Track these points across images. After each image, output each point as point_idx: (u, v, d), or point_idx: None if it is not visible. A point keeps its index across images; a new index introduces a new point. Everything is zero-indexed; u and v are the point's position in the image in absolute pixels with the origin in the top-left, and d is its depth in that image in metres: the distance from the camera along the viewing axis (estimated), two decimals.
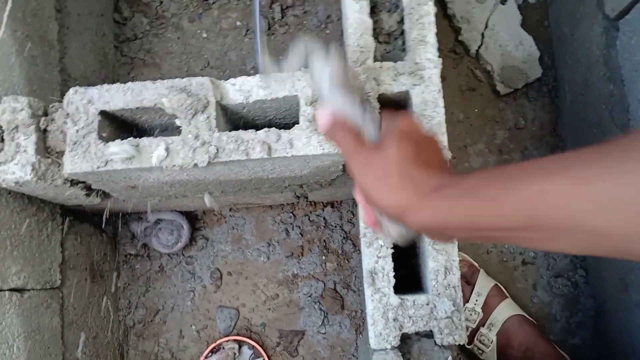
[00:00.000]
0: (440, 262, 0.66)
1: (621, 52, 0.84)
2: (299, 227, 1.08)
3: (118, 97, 0.70)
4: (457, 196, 0.41)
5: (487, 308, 0.98)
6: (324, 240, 1.08)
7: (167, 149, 0.66)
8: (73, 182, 0.75)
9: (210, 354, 1.04)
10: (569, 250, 0.37)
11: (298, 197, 1.03)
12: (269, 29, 1.13)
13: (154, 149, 0.67)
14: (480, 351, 0.98)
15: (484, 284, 1.00)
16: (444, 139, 0.68)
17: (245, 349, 1.04)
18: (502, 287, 1.01)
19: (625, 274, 0.90)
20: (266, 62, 0.60)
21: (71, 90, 0.71)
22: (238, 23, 1.14)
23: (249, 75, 0.70)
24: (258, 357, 1.04)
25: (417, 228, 0.44)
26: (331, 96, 0.51)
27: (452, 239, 0.48)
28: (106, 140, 0.69)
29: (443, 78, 0.70)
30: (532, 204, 0.36)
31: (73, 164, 0.68)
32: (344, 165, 0.75)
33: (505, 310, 0.98)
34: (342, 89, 0.51)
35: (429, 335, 0.66)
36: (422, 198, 0.43)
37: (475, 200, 0.39)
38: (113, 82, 0.71)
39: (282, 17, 1.13)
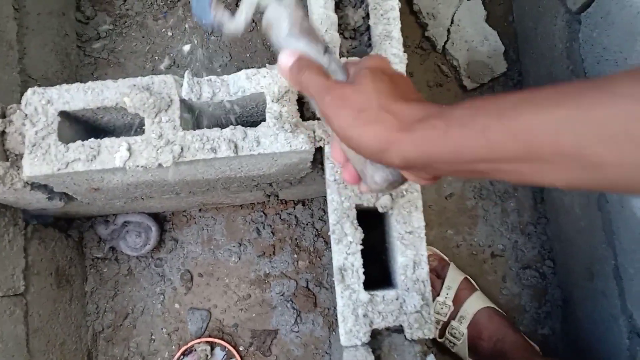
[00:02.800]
0: (409, 256, 0.66)
1: (583, 45, 0.85)
2: (270, 226, 1.08)
3: (78, 97, 0.68)
4: (445, 126, 0.39)
5: (458, 301, 0.99)
6: (296, 239, 1.07)
7: (129, 150, 0.65)
8: (34, 186, 0.73)
9: (182, 356, 1.02)
10: (558, 182, 0.36)
11: (268, 196, 1.02)
12: None
13: (116, 150, 0.65)
14: (452, 344, 0.99)
15: (454, 277, 1.01)
16: None
17: (217, 350, 1.03)
18: (472, 280, 1.02)
19: (591, 263, 0.92)
20: (219, 11, 0.54)
21: (29, 91, 0.69)
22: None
23: (216, 73, 0.70)
24: (231, 358, 1.03)
25: (401, 163, 0.42)
26: (292, 42, 0.49)
27: (436, 176, 0.46)
28: (67, 141, 0.67)
29: (411, 74, 0.71)
30: (526, 134, 0.35)
31: (32, 167, 0.66)
32: (312, 162, 0.75)
33: (476, 302, 0.99)
34: (302, 34, 0.48)
35: (399, 330, 0.66)
36: (406, 130, 0.41)
37: (465, 130, 0.38)
38: (76, 82, 0.69)
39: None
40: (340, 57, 0.70)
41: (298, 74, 0.49)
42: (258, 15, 0.52)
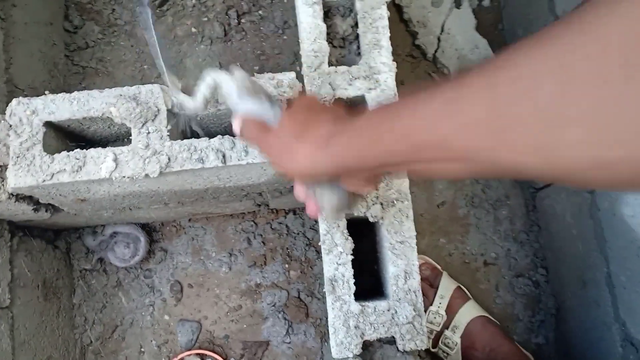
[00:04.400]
0: (400, 266, 0.66)
1: None
2: (261, 235, 1.07)
3: (64, 107, 0.67)
4: (347, 140, 0.45)
5: (451, 310, 0.98)
6: (287, 248, 1.06)
7: (116, 160, 0.64)
8: (19, 197, 0.72)
9: None
10: (454, 175, 0.39)
11: (259, 205, 1.01)
12: (225, 35, 1.11)
13: (102, 160, 0.64)
14: (445, 354, 0.98)
15: (447, 287, 1.00)
16: None
17: None
18: (465, 289, 1.02)
19: (583, 271, 0.91)
20: (180, 96, 0.64)
21: (14, 101, 0.68)
22: (193, 30, 1.12)
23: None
24: None
25: (329, 175, 0.48)
26: (241, 104, 0.57)
27: (367, 181, 0.51)
28: (53, 152, 0.66)
29: (401, 82, 0.70)
30: (408, 136, 0.38)
31: (17, 178, 0.65)
32: None
33: (469, 312, 0.98)
34: (248, 95, 0.57)
35: (391, 341, 0.66)
36: (319, 148, 0.47)
37: (362, 141, 0.43)
38: (63, 92, 0.68)
39: (239, 24, 1.11)
40: (329, 66, 0.70)
41: (243, 134, 0.57)
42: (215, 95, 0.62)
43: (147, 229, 1.05)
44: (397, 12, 1.13)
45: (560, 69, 0.29)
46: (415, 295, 0.65)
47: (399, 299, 0.65)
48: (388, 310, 0.65)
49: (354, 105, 0.71)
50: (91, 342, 1.03)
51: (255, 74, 0.69)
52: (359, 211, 0.67)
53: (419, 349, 0.64)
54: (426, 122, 0.37)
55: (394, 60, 0.70)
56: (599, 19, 0.27)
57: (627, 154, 0.27)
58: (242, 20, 1.12)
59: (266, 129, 0.55)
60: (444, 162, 0.38)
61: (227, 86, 0.58)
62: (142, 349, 1.03)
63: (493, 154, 0.33)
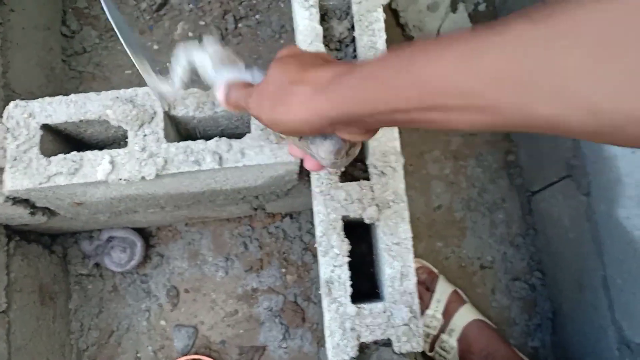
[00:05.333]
0: (396, 268, 0.66)
1: None
2: (258, 239, 1.07)
3: (61, 110, 0.67)
4: (355, 81, 0.41)
5: (447, 314, 0.98)
6: (283, 252, 1.06)
7: (112, 162, 0.64)
8: (15, 200, 0.72)
9: None
10: (463, 125, 0.37)
11: (255, 209, 1.01)
12: (222, 40, 1.11)
13: (99, 163, 0.64)
14: (442, 358, 0.98)
15: (443, 290, 1.00)
16: (396, 145, 0.68)
17: None
18: (461, 293, 1.02)
19: (580, 274, 0.91)
20: (154, 82, 0.61)
21: (11, 104, 0.68)
22: (190, 34, 1.12)
23: (203, 86, 0.69)
24: None
25: (327, 124, 0.44)
26: (218, 75, 0.55)
27: (367, 131, 0.47)
28: (49, 155, 0.66)
29: None
30: (425, 84, 0.36)
31: (14, 181, 0.65)
32: (299, 174, 0.74)
33: (465, 315, 0.98)
34: (224, 64, 0.55)
35: (387, 343, 0.65)
36: (320, 92, 0.43)
37: (374, 82, 0.40)
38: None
39: (236, 28, 1.12)
40: None
41: (229, 100, 0.54)
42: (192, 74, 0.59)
43: (144, 233, 1.05)
44: (393, 17, 1.14)
45: (603, 22, 0.28)
46: (412, 297, 0.65)
47: (395, 300, 0.65)
48: (384, 312, 0.65)
49: None
50: (87, 347, 1.03)
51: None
52: (354, 212, 0.67)
53: (415, 351, 0.64)
54: (450, 68, 0.35)
55: None
56: None
57: None
58: (239, 25, 1.12)
59: (252, 87, 0.52)
60: (465, 112, 0.35)
61: (201, 62, 0.57)
62: (138, 355, 1.03)
63: (527, 107, 0.32)
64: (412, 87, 0.37)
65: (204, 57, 0.56)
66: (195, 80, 0.61)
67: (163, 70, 0.62)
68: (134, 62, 0.60)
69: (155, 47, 1.12)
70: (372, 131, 0.48)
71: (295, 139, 0.54)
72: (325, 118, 0.43)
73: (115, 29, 0.57)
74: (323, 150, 0.51)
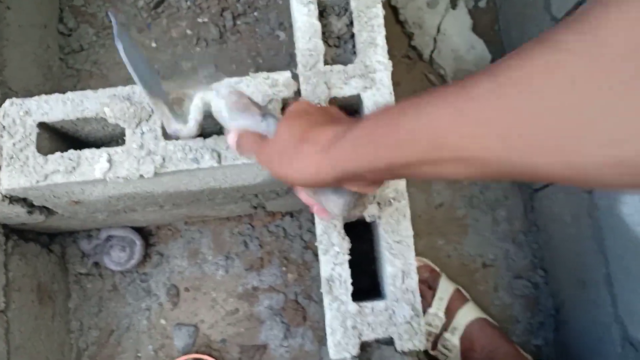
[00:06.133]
0: (397, 266, 0.65)
1: None
2: (258, 238, 1.06)
3: (57, 107, 0.67)
4: (350, 143, 0.43)
5: (450, 312, 0.97)
6: (284, 251, 1.06)
7: (110, 160, 0.63)
8: (13, 199, 0.71)
9: None
10: (464, 177, 0.38)
11: (255, 208, 1.00)
12: (220, 37, 1.11)
13: (97, 161, 0.64)
14: (445, 356, 0.97)
15: (445, 288, 0.99)
16: None
17: None
18: (463, 291, 1.01)
19: (582, 271, 0.91)
20: (172, 123, 0.61)
21: (7, 102, 0.67)
22: (188, 32, 1.11)
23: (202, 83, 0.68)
24: None
25: (332, 181, 0.46)
26: (233, 120, 0.57)
27: (374, 184, 0.50)
28: (46, 153, 0.66)
29: (397, 83, 0.70)
30: (416, 136, 0.38)
31: (10, 180, 0.65)
32: None
33: (468, 314, 0.97)
34: (240, 111, 0.56)
35: (389, 342, 0.65)
36: (324, 152, 0.45)
37: (367, 140, 0.42)
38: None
39: (234, 25, 1.11)
40: (324, 65, 0.69)
41: (241, 148, 0.57)
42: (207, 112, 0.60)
43: (143, 232, 1.05)
44: (393, 14, 1.13)
45: (571, 67, 0.28)
46: (413, 295, 0.65)
47: (397, 299, 0.64)
48: (386, 311, 0.64)
49: (349, 105, 0.70)
50: (87, 346, 1.02)
51: (250, 73, 0.69)
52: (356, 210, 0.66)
53: (418, 349, 0.63)
54: (435, 123, 0.36)
55: (389, 60, 0.69)
56: (598, 21, 0.28)
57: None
58: (238, 22, 1.12)
59: (262, 140, 0.54)
60: (454, 164, 0.37)
61: (216, 105, 0.57)
62: (139, 354, 1.02)
63: (507, 157, 0.33)
64: (403, 143, 0.39)
65: (219, 101, 0.57)
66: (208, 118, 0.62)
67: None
68: (149, 102, 0.60)
69: (153, 44, 1.11)
70: (379, 183, 0.51)
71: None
72: (329, 176, 0.45)
73: (131, 70, 0.56)
74: (332, 203, 0.53)
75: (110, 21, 1.10)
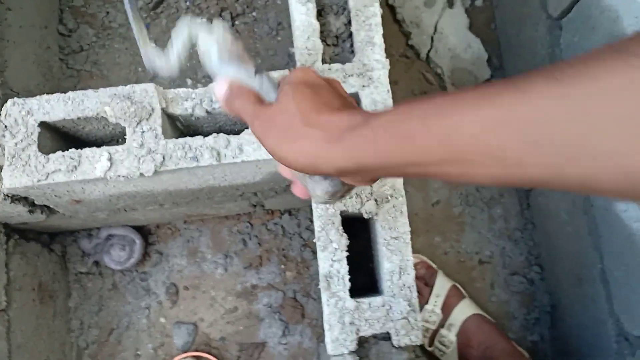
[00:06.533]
0: (394, 262, 0.66)
1: (565, 50, 0.86)
2: (257, 236, 1.07)
3: (59, 107, 0.67)
4: (372, 135, 0.39)
5: (447, 309, 0.98)
6: (283, 249, 1.06)
7: (110, 159, 0.64)
8: (14, 198, 0.72)
9: None
10: (482, 180, 0.37)
11: (254, 206, 1.01)
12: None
13: (97, 160, 0.64)
14: (441, 352, 0.98)
15: (442, 285, 1.00)
16: None
17: None
18: (460, 288, 1.02)
19: (578, 268, 0.92)
20: (149, 51, 0.54)
21: (9, 102, 0.68)
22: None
23: (200, 83, 0.69)
24: None
25: (334, 173, 0.43)
26: (223, 68, 0.49)
27: (372, 179, 0.46)
28: (48, 153, 0.66)
29: (395, 82, 0.71)
30: (449, 139, 0.35)
31: (12, 179, 0.65)
32: None
33: (464, 310, 0.98)
34: (232, 59, 0.49)
35: (386, 337, 0.66)
36: (334, 141, 0.41)
37: (391, 137, 0.38)
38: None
39: (233, 25, 1.12)
40: (323, 64, 0.70)
41: (230, 103, 0.49)
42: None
43: (143, 231, 1.05)
44: (390, 13, 1.14)
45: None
46: (410, 291, 0.65)
47: (394, 294, 0.65)
48: (383, 306, 0.65)
49: None
50: (87, 345, 1.03)
51: None
52: (353, 207, 0.67)
53: (414, 344, 0.64)
54: (477, 126, 0.34)
55: (387, 58, 0.70)
56: None
57: None
58: (236, 22, 1.12)
59: (260, 102, 0.48)
60: (487, 168, 0.35)
61: (206, 46, 0.49)
62: (139, 352, 1.03)
63: (556, 167, 0.31)
64: (435, 141, 0.36)
65: (210, 42, 0.49)
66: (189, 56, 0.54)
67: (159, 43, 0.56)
68: (133, 25, 0.54)
69: (153, 44, 1.12)
70: (376, 178, 0.47)
71: None
72: (334, 167, 0.42)
73: None
74: (320, 189, 0.48)
75: (112, 21, 1.11)
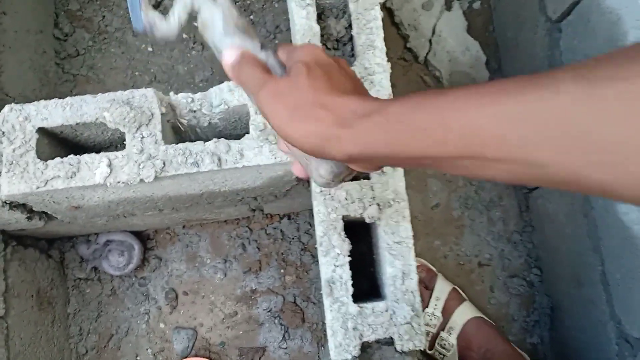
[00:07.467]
0: (397, 267, 0.66)
1: (565, 53, 0.86)
2: (256, 241, 1.06)
3: (57, 112, 0.67)
4: (385, 123, 0.39)
5: (447, 312, 0.98)
6: (282, 253, 1.06)
7: (110, 165, 0.64)
8: (12, 205, 0.71)
9: None
10: (499, 177, 0.36)
11: (253, 210, 1.01)
12: None
13: (97, 166, 0.64)
14: (442, 356, 0.98)
15: (442, 288, 1.00)
16: None
17: None
18: (460, 291, 1.02)
19: (578, 270, 0.92)
20: (149, 14, 0.51)
21: (6, 108, 0.67)
22: (184, 36, 1.11)
23: (197, 87, 0.69)
24: None
25: (342, 158, 0.42)
26: (228, 39, 0.48)
27: (379, 167, 0.46)
28: (46, 159, 0.66)
29: (393, 85, 0.70)
30: (468, 131, 0.35)
31: (10, 185, 0.65)
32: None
33: (464, 313, 0.98)
34: (238, 32, 0.48)
35: (390, 342, 0.65)
36: (345, 126, 0.40)
37: (406, 127, 0.38)
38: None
39: None
40: None
41: (238, 72, 0.48)
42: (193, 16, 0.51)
43: (141, 236, 1.05)
44: (388, 16, 1.14)
45: None
46: (413, 296, 0.65)
47: (397, 299, 0.65)
48: (386, 311, 0.65)
49: None
50: (86, 351, 1.02)
51: None
52: (355, 212, 0.67)
53: (418, 349, 0.64)
54: (497, 122, 0.33)
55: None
56: None
57: None
58: None
59: (270, 75, 0.46)
60: (505, 164, 0.34)
61: (210, 16, 0.48)
62: (138, 358, 1.03)
63: (576, 168, 0.31)
64: (453, 136, 0.35)
65: (216, 12, 0.47)
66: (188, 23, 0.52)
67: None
68: None
69: (150, 49, 1.11)
70: (382, 166, 0.47)
71: None
72: (344, 152, 0.41)
73: None
74: (323, 169, 0.47)
75: (108, 25, 1.11)
